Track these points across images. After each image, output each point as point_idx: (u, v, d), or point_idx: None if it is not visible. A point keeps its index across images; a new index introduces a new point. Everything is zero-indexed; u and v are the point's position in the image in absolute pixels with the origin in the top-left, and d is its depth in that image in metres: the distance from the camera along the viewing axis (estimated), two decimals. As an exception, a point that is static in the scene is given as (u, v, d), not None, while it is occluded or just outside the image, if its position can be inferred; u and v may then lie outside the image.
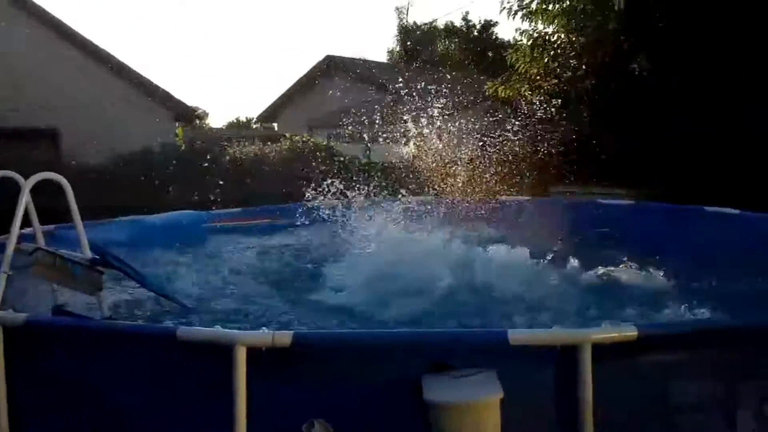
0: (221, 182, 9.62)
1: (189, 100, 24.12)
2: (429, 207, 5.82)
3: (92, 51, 13.65)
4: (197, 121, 23.93)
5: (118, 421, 2.13)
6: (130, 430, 2.10)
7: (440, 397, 1.81)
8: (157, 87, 14.83)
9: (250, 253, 5.38)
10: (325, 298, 3.83)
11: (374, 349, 2.08)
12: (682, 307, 3.31)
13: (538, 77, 12.56)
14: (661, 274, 4.10)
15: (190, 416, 2.08)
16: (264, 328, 3.24)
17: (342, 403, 1.99)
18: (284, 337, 1.98)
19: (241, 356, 1.95)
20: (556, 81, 12.26)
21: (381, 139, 16.95)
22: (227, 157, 11.51)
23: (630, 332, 1.98)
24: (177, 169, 9.78)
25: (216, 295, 3.98)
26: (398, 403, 1.96)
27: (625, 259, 4.50)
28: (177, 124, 16.14)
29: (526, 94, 12.71)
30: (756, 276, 4.21)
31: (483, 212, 6.33)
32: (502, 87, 13.32)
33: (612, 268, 4.25)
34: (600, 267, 4.28)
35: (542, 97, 12.62)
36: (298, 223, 6.51)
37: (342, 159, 12.73)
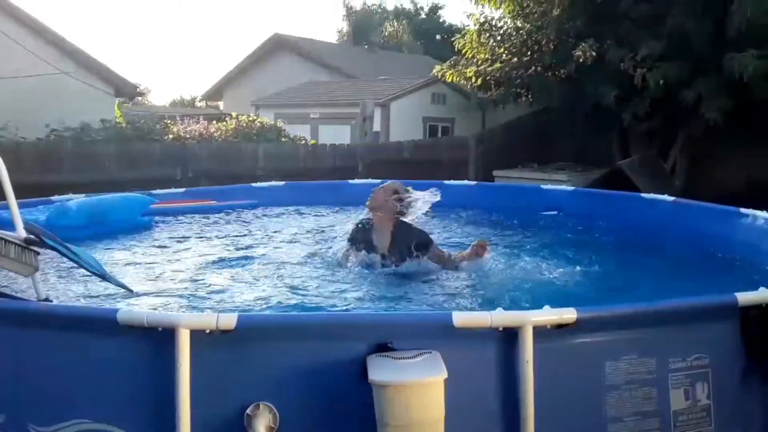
0: (161, 162, 9.42)
1: (131, 77, 23.40)
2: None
3: (27, 22, 13.07)
4: (139, 98, 23.22)
5: (55, 408, 2.07)
6: (68, 416, 2.05)
7: (385, 377, 1.83)
8: (96, 61, 14.32)
9: (195, 236, 5.29)
10: (269, 281, 3.81)
11: (319, 331, 2.08)
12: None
13: (484, 62, 12.67)
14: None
15: (132, 401, 2.04)
16: (208, 310, 3.21)
17: (288, 386, 1.99)
18: (229, 320, 1.96)
19: (184, 339, 1.92)
20: (500, 65, 12.39)
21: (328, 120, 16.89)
22: (170, 136, 11.22)
23: (569, 315, 2.05)
24: (117, 147, 9.49)
25: (159, 278, 3.90)
26: (343, 384, 1.97)
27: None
28: (117, 101, 15.64)
29: (473, 79, 12.84)
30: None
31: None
32: (450, 72, 13.39)
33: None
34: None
35: (488, 82, 12.80)
36: (243, 204, 6.47)
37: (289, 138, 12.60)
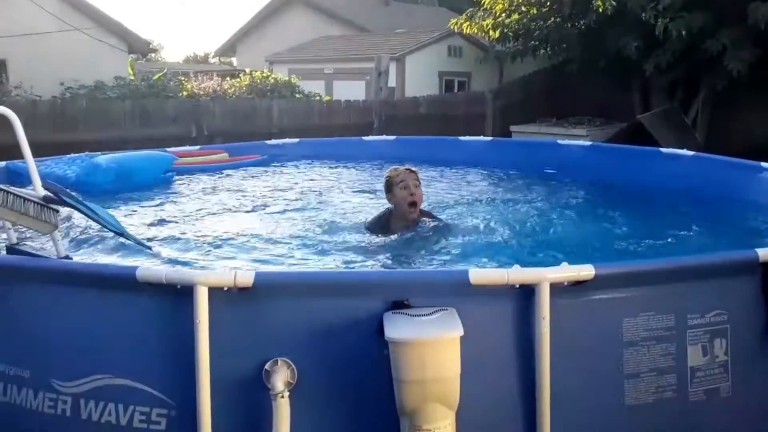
0: (175, 119, 9.41)
1: (143, 34, 23.23)
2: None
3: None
4: (152, 55, 23.09)
5: (77, 364, 2.12)
6: (90, 371, 2.09)
7: (401, 334, 1.84)
8: (109, 18, 14.20)
9: (214, 194, 5.31)
10: (287, 239, 3.83)
11: (336, 289, 2.09)
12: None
13: (502, 13, 12.39)
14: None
15: (152, 357, 2.08)
16: (226, 267, 3.24)
17: (305, 342, 2.01)
18: (246, 277, 1.97)
19: (202, 297, 1.94)
20: (518, 17, 12.11)
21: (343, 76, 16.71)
22: (184, 93, 11.17)
23: (587, 271, 2.03)
24: (132, 104, 9.46)
25: (178, 236, 3.93)
26: (361, 341, 1.99)
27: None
28: (130, 58, 15.55)
29: (490, 31, 12.58)
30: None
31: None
32: (467, 23, 13.13)
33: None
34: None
35: (506, 34, 12.54)
36: (261, 160, 6.47)
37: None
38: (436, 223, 3.74)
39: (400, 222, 3.66)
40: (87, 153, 5.73)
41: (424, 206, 3.81)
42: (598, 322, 2.14)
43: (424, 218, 3.73)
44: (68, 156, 5.54)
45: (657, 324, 2.14)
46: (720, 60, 9.96)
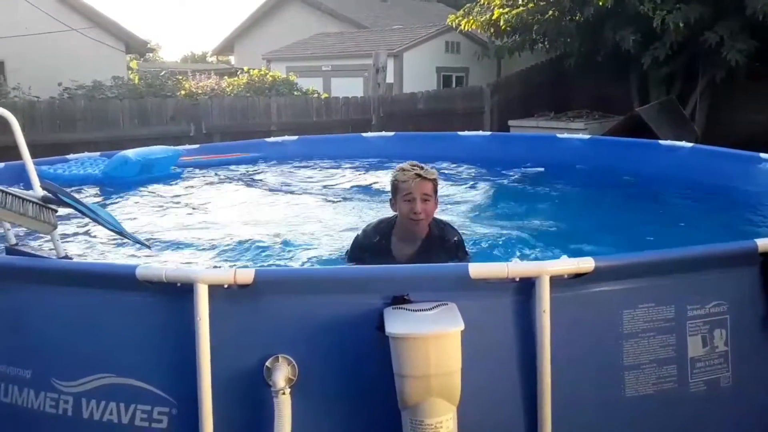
0: (174, 118, 9.41)
1: (141, 34, 23.19)
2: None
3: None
4: (150, 55, 23.04)
5: (79, 364, 2.12)
6: (91, 371, 2.09)
7: (402, 329, 1.84)
8: (106, 18, 14.18)
9: (215, 190, 5.32)
10: (287, 235, 3.83)
11: (336, 285, 2.09)
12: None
13: (500, 9, 12.37)
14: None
15: (154, 356, 2.08)
16: (226, 265, 3.24)
17: (306, 339, 2.01)
18: (246, 275, 1.97)
19: (202, 294, 1.94)
20: (517, 11, 12.09)
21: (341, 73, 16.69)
22: (182, 92, 11.15)
23: (587, 264, 2.04)
24: (130, 104, 9.45)
25: (177, 234, 3.94)
26: (361, 336, 1.99)
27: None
28: (128, 58, 15.53)
29: (486, 27, 12.56)
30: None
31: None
32: (465, 19, 13.11)
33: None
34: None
35: (504, 29, 12.52)
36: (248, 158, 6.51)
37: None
38: (449, 245, 3.01)
39: (403, 241, 2.99)
40: (86, 154, 5.82)
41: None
42: (598, 314, 2.14)
43: (437, 234, 3.00)
44: (73, 157, 5.63)
45: (657, 315, 2.14)
46: (718, 51, 9.95)
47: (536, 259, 3.02)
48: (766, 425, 2.30)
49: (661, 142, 6.11)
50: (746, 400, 2.27)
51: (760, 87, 10.90)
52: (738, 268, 2.30)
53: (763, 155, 4.73)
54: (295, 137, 7.15)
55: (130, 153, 5.61)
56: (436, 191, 2.92)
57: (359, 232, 3.15)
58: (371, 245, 3.02)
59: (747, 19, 9.50)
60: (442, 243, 2.98)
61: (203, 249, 3.58)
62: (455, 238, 3.03)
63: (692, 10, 9.77)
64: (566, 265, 2.04)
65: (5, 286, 2.27)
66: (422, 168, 2.91)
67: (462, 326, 1.84)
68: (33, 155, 2.90)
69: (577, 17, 11.67)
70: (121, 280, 2.09)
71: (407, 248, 2.97)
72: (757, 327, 2.28)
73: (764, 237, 2.31)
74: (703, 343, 2.19)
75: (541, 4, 12.03)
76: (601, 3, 10.36)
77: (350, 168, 6.39)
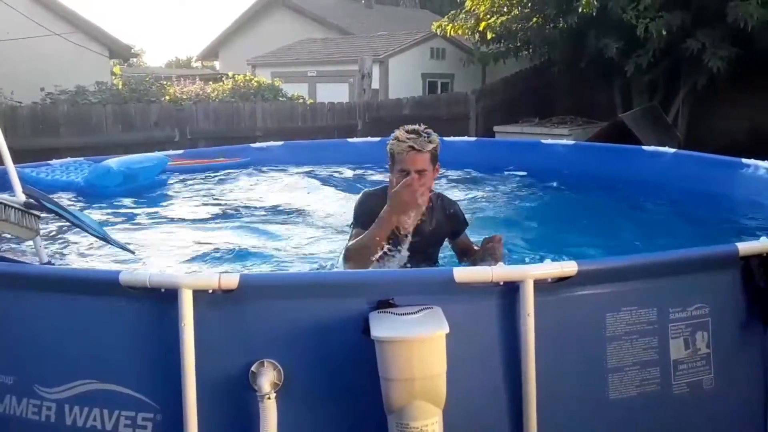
0: (158, 123, 9.37)
1: (124, 38, 23.07)
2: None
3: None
4: (133, 60, 22.91)
5: (61, 369, 2.10)
6: (74, 377, 2.08)
7: (387, 333, 1.84)
8: (89, 23, 14.09)
9: (199, 196, 5.30)
10: (271, 240, 3.82)
11: (321, 290, 2.09)
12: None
13: (486, 15, 12.45)
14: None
15: (138, 362, 2.06)
16: (210, 270, 3.23)
17: (291, 343, 2.01)
18: (231, 279, 1.97)
19: (187, 300, 1.93)
20: (502, 18, 12.17)
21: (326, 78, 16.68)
22: (166, 97, 11.10)
23: (570, 268, 2.05)
24: (114, 109, 9.39)
25: (161, 239, 3.92)
26: (346, 341, 1.99)
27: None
28: (112, 63, 15.43)
29: (470, 33, 12.63)
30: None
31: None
32: (450, 25, 13.18)
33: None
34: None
35: (489, 36, 12.61)
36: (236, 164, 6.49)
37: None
38: (450, 214, 2.97)
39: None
40: (72, 159, 5.77)
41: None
42: (582, 317, 2.16)
43: (439, 205, 2.93)
44: (59, 162, 5.57)
45: (639, 318, 2.16)
46: (700, 58, 10.08)
47: (520, 263, 3.03)
48: (748, 426, 2.33)
49: (645, 147, 6.17)
50: (728, 401, 2.29)
51: (741, 93, 11.05)
52: (719, 272, 2.32)
53: (744, 160, 4.79)
54: (281, 143, 7.15)
55: (113, 162, 5.32)
56: (435, 160, 2.70)
57: (360, 196, 2.97)
58: (377, 211, 2.70)
59: (728, 27, 9.64)
60: (444, 212, 2.94)
61: (187, 254, 3.56)
62: (452, 210, 3.00)
63: (674, 17, 9.89)
64: (550, 269, 2.06)
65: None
66: (419, 136, 2.70)
67: (447, 329, 1.85)
68: (15, 160, 2.87)
69: (560, 25, 11.77)
70: (105, 285, 2.08)
71: (408, 219, 2.74)
72: (739, 329, 2.31)
73: (745, 241, 2.34)
74: (686, 346, 2.21)
75: (525, 11, 12.12)
76: (584, 11, 10.46)
77: (335, 172, 6.39)
